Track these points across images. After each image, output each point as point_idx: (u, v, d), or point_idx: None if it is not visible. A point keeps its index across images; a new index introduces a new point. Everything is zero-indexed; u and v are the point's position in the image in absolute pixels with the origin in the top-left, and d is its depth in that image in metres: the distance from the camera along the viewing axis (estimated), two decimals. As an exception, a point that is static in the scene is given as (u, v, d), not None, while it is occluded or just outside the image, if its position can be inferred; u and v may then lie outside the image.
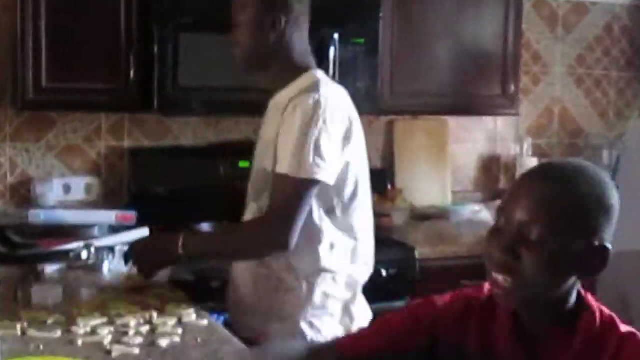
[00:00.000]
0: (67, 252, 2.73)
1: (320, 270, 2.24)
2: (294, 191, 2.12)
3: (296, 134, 2.10)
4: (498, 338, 1.46)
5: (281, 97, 2.24)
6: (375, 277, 2.99)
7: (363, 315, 2.35)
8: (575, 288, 1.41)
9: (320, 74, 2.28)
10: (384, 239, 3.30)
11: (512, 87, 3.70)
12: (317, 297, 2.24)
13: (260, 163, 2.28)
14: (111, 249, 2.82)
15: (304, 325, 2.23)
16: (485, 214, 3.64)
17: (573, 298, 1.43)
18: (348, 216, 2.27)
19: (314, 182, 2.11)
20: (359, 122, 2.29)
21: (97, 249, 2.77)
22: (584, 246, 1.34)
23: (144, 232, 2.96)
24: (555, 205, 1.33)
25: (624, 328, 1.42)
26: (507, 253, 1.34)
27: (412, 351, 1.53)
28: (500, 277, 1.37)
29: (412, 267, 3.16)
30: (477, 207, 3.76)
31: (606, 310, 1.45)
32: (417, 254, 3.19)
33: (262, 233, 2.20)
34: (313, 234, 2.20)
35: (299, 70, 2.26)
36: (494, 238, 1.38)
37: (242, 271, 2.34)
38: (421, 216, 3.72)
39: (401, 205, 3.66)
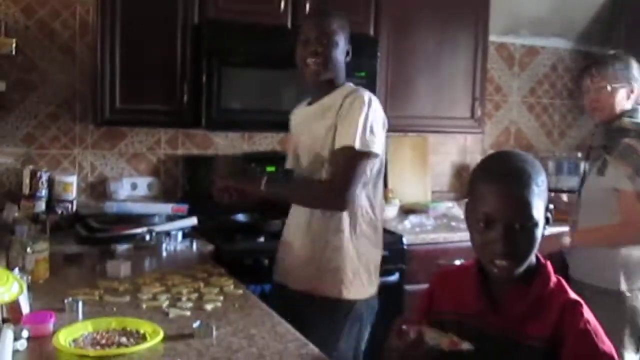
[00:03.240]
0: (134, 236, 2.75)
1: (359, 234, 2.22)
2: (354, 161, 2.10)
3: (357, 119, 2.10)
4: (467, 296, 1.46)
5: (328, 102, 2.24)
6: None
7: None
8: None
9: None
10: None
11: (479, 112, 3.67)
12: (357, 256, 2.22)
13: (314, 152, 2.24)
14: (167, 233, 2.84)
15: (346, 278, 2.21)
16: (456, 210, 3.60)
17: (534, 261, 1.43)
18: (375, 190, 2.26)
19: (370, 155, 2.13)
20: None
21: (157, 233, 2.81)
22: (545, 214, 1.39)
23: (193, 220, 2.96)
24: (528, 200, 1.34)
25: (571, 295, 1.41)
26: (508, 243, 1.34)
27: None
28: (504, 263, 1.36)
29: (401, 250, 3.13)
30: (450, 204, 3.72)
31: (560, 279, 1.45)
32: (404, 240, 3.16)
33: (327, 193, 2.16)
34: (354, 202, 2.19)
35: (342, 83, 2.29)
36: (489, 235, 1.36)
37: (296, 236, 2.29)
38: (408, 211, 3.66)
39: (393, 202, 3.64)
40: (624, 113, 2.42)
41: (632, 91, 2.43)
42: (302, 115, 2.39)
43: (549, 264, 1.45)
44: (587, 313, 1.36)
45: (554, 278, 1.42)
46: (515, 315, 1.38)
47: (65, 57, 3.16)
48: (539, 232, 1.36)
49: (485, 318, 1.41)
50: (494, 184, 1.36)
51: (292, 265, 2.32)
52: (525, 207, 1.33)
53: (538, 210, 1.34)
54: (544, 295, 1.38)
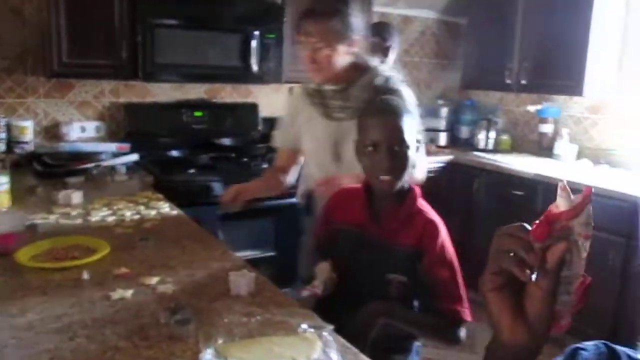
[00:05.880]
0: (84, 170, 2.63)
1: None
2: None
3: None
4: (355, 209, 1.49)
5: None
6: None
7: None
8: None
9: None
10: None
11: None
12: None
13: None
14: (113, 168, 2.74)
15: None
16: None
17: (406, 186, 1.47)
18: None
19: None
20: None
21: (104, 168, 2.69)
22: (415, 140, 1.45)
23: (134, 156, 2.87)
24: (402, 128, 1.39)
25: (431, 215, 1.45)
26: (390, 161, 1.38)
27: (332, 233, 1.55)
28: (387, 177, 1.40)
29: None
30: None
31: (424, 203, 1.49)
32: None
33: None
34: None
35: None
36: (376, 157, 1.39)
37: None
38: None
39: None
40: (368, 69, 1.84)
41: (351, 44, 1.76)
42: None
43: (417, 189, 1.49)
44: (443, 231, 1.43)
45: (420, 200, 1.47)
46: (390, 227, 1.44)
47: (16, 18, 2.90)
48: (412, 154, 1.42)
49: (367, 227, 1.46)
50: (376, 118, 1.41)
51: None
52: (400, 132, 1.39)
53: (410, 135, 1.40)
54: (412, 212, 1.44)
